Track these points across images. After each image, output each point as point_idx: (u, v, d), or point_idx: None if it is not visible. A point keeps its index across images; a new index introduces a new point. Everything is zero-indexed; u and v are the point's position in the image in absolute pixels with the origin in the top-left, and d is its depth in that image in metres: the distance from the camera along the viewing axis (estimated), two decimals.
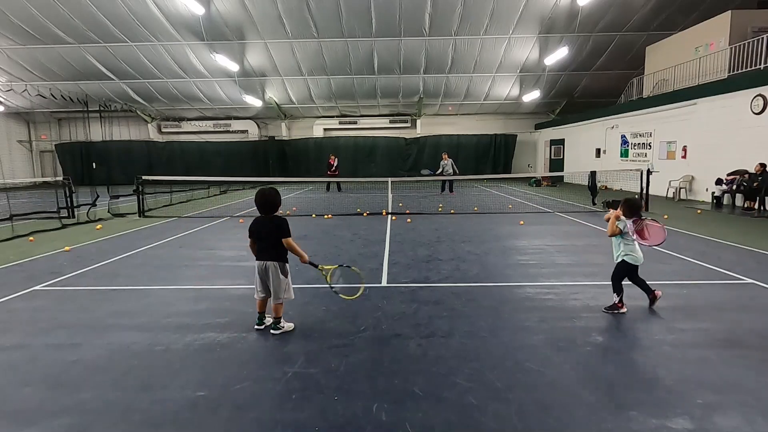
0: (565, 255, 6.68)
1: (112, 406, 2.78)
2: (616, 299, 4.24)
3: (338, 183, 20.04)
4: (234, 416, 2.66)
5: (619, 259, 4.25)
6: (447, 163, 16.94)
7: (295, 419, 2.61)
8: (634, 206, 4.16)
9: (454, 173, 17.03)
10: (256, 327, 3.97)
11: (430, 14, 17.34)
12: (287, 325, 3.95)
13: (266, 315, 4.03)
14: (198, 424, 2.58)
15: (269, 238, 3.81)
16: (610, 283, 4.34)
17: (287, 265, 3.88)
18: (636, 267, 4.26)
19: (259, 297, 3.94)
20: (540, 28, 18.20)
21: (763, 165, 10.72)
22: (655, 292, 4.33)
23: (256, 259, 3.88)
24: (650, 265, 6.03)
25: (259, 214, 3.92)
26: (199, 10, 15.25)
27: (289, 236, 3.81)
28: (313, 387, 2.97)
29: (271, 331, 3.86)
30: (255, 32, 18.43)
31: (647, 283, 4.33)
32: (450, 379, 3.04)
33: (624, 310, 4.22)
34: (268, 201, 3.84)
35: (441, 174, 17.07)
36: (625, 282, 4.33)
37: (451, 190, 17.42)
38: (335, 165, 18.87)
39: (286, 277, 3.86)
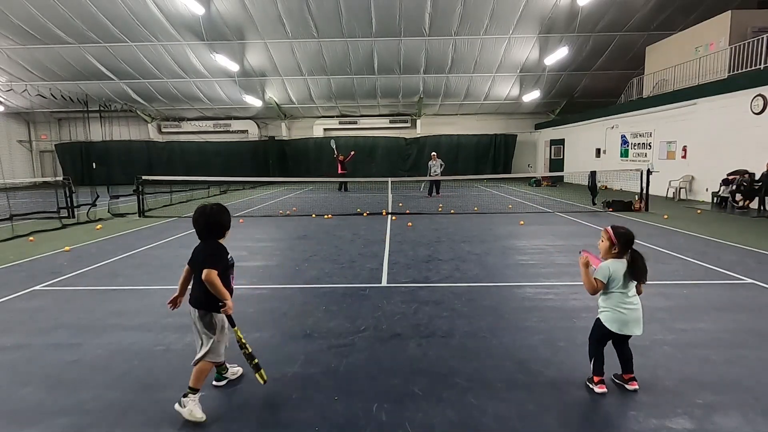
0: (565, 255, 6.67)
1: (112, 406, 2.78)
2: (591, 372, 2.89)
3: (343, 182, 20.00)
4: (234, 416, 2.66)
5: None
6: (435, 163, 16.13)
7: (295, 419, 2.61)
8: (629, 238, 2.77)
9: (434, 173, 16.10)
10: (213, 383, 2.99)
11: (430, 14, 17.34)
12: (191, 407, 2.58)
13: (227, 365, 3.04)
14: (198, 424, 2.57)
15: (194, 271, 2.71)
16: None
17: (216, 317, 2.71)
18: (614, 335, 2.81)
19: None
20: (540, 28, 18.20)
21: None
22: (632, 382, 2.87)
23: None
24: (651, 266, 6.01)
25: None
26: (199, 10, 15.25)
27: (213, 267, 2.59)
28: (313, 387, 2.97)
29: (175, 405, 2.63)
30: (255, 32, 18.43)
31: (632, 360, 2.89)
32: (450, 379, 3.04)
33: (600, 389, 2.82)
34: (199, 222, 2.74)
35: (429, 175, 16.12)
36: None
37: (437, 192, 16.43)
38: (346, 162, 18.70)
39: (211, 332, 2.70)
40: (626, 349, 2.88)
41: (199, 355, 2.70)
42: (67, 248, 7.54)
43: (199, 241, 2.78)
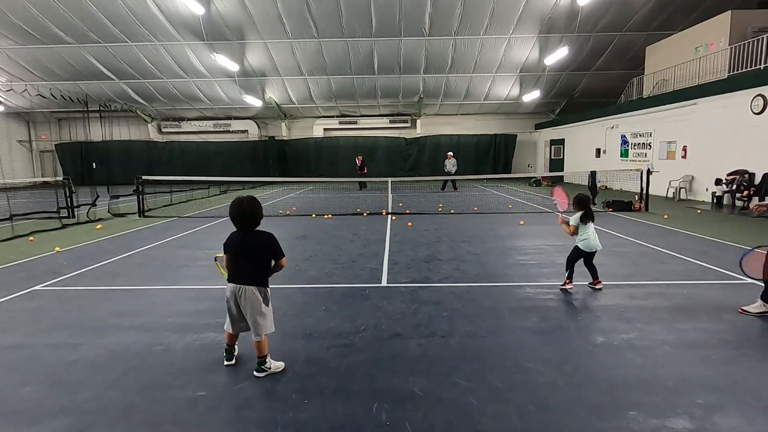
0: (565, 255, 6.62)
1: (112, 406, 2.78)
2: (566, 278, 4.97)
3: (364, 181, 20.82)
4: (234, 416, 2.66)
5: (575, 245, 4.94)
6: (448, 162, 18.52)
7: (295, 419, 2.61)
8: (583, 201, 4.87)
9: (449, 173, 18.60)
10: (226, 363, 3.29)
11: (430, 14, 17.34)
12: (275, 365, 3.18)
13: (235, 347, 3.37)
14: (198, 424, 2.57)
15: (251, 257, 3.12)
16: (587, 270, 4.98)
17: (269, 290, 3.20)
18: (587, 253, 4.85)
19: (230, 330, 3.22)
20: (540, 28, 18.19)
21: None
22: (598, 282, 4.93)
23: (229, 281, 3.14)
24: (651, 266, 6.04)
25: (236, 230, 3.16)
26: (199, 10, 15.24)
27: (284, 255, 3.21)
28: (313, 387, 2.97)
29: (254, 373, 3.13)
30: (255, 32, 18.42)
31: (598, 272, 4.96)
32: (450, 379, 3.04)
33: (570, 287, 4.91)
34: (246, 215, 3.09)
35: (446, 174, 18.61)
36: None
37: (454, 188, 18.84)
38: (362, 164, 20.22)
39: (269, 305, 3.18)
40: (593, 264, 4.93)
41: (261, 331, 3.10)
42: (57, 249, 7.52)
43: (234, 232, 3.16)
